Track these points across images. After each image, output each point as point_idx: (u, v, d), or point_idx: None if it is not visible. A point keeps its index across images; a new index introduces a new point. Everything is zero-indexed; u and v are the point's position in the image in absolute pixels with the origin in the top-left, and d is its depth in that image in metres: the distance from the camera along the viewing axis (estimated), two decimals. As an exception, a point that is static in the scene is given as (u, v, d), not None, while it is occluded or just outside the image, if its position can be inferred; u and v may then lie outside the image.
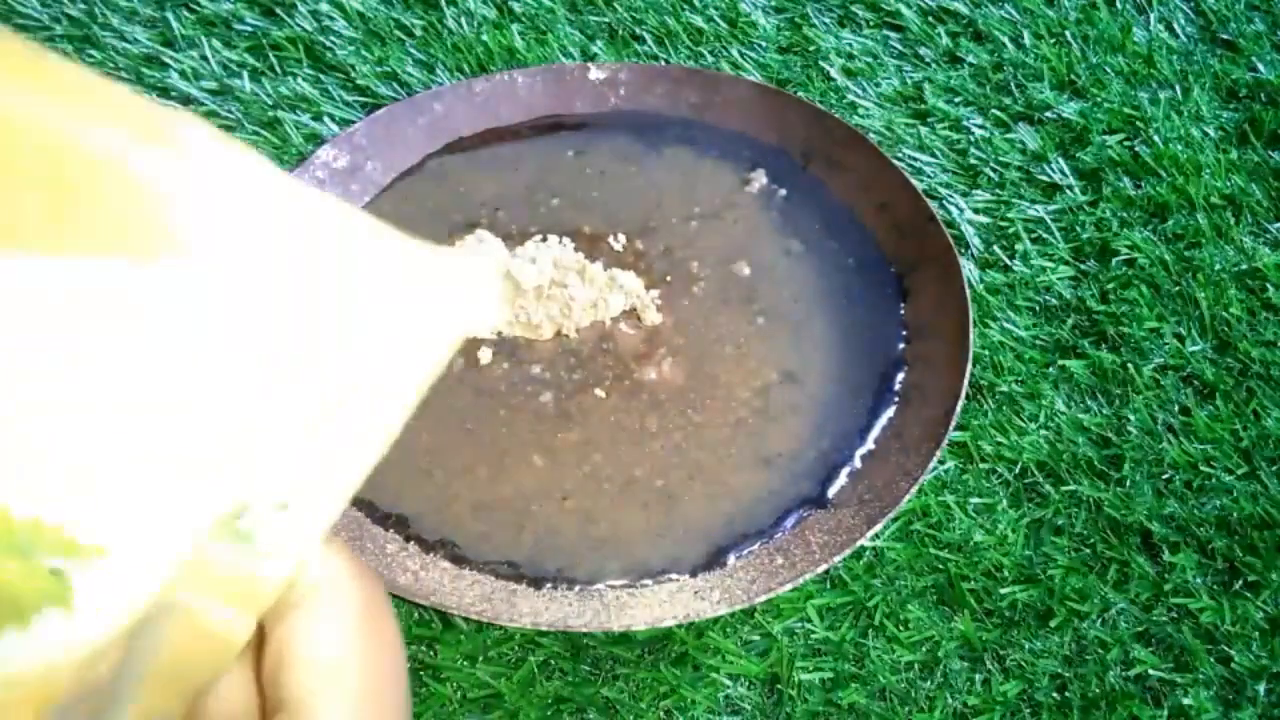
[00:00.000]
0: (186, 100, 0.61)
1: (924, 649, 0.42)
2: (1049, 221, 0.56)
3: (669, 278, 0.53)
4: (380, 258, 0.23)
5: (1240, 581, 0.44)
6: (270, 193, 0.21)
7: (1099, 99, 0.62)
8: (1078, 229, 0.56)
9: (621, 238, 0.55)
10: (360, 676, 0.23)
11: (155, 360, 0.20)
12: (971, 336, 0.48)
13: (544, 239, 0.54)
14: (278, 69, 0.63)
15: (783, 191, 0.57)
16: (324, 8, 0.66)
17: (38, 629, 0.19)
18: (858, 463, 0.47)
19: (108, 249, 0.19)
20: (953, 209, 0.56)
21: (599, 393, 0.49)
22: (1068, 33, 0.65)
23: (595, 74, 0.61)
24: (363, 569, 0.26)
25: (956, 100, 0.62)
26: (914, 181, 0.54)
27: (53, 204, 0.18)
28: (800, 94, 0.61)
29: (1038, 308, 0.53)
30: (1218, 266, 0.54)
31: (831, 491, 0.46)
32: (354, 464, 0.24)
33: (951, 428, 0.45)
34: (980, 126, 0.61)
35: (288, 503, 0.23)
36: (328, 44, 0.64)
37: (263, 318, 0.21)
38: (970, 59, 0.64)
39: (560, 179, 0.58)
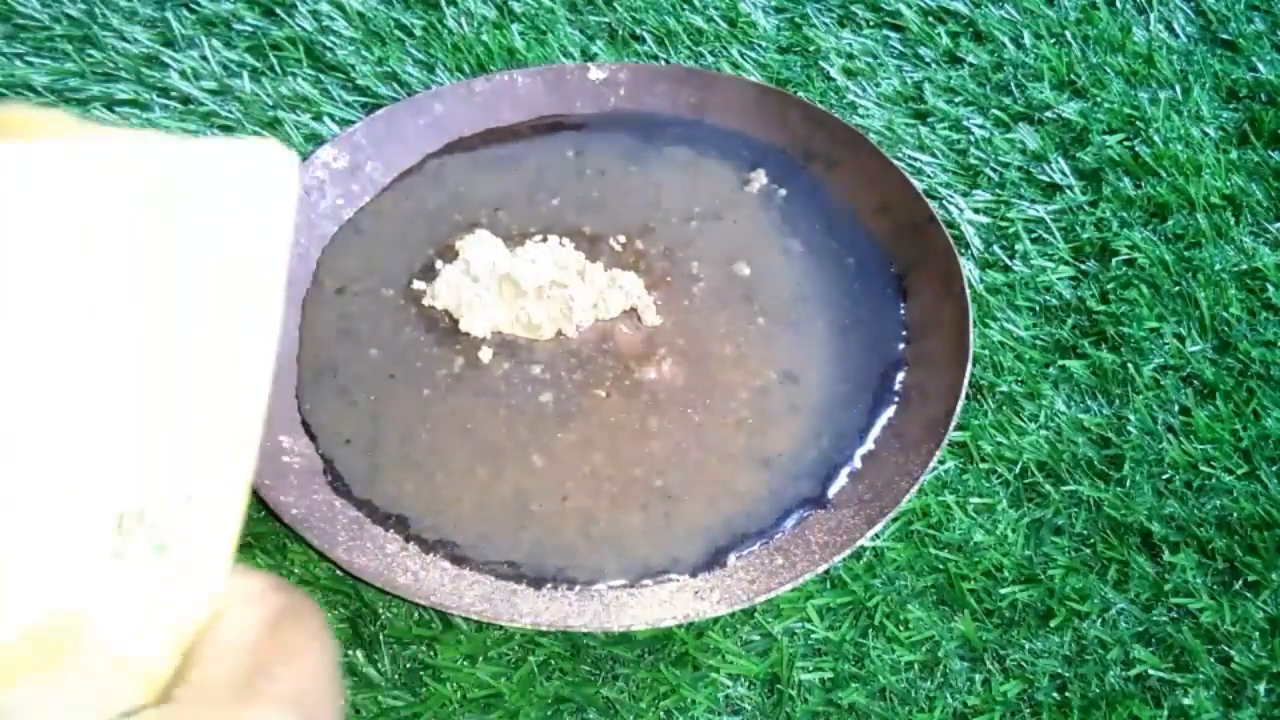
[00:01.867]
0: (186, 100, 0.61)
1: (924, 649, 0.42)
2: (1049, 221, 0.56)
3: (669, 278, 0.53)
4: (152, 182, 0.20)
5: (1240, 581, 0.44)
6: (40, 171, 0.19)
7: (1099, 99, 0.62)
8: (1078, 229, 0.56)
9: (621, 238, 0.55)
10: (252, 656, 0.23)
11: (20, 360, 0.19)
12: (971, 336, 0.48)
13: (544, 239, 0.54)
14: (278, 69, 0.63)
15: (783, 191, 0.57)
16: (324, 8, 0.66)
17: None
18: (858, 463, 0.47)
19: None
20: (953, 209, 0.56)
21: (599, 393, 0.49)
22: (1068, 33, 0.65)
23: (595, 74, 0.61)
24: (282, 584, 0.25)
25: (956, 100, 0.62)
26: (914, 181, 0.54)
27: None
28: (800, 94, 0.61)
29: (1038, 308, 0.53)
30: (1218, 266, 0.54)
31: (831, 491, 0.46)
32: (238, 421, 0.23)
33: (951, 428, 0.45)
34: (980, 126, 0.61)
35: (190, 493, 0.22)
36: (328, 44, 0.64)
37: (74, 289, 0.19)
38: (970, 59, 0.64)
39: (560, 179, 0.58)
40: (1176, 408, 0.49)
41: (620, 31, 0.65)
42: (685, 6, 0.67)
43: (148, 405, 0.21)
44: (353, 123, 0.59)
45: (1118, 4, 0.68)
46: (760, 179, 0.57)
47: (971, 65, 0.64)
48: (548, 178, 0.58)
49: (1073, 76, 0.63)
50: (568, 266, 0.52)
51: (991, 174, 0.58)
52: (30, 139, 0.20)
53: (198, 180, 0.21)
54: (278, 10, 0.66)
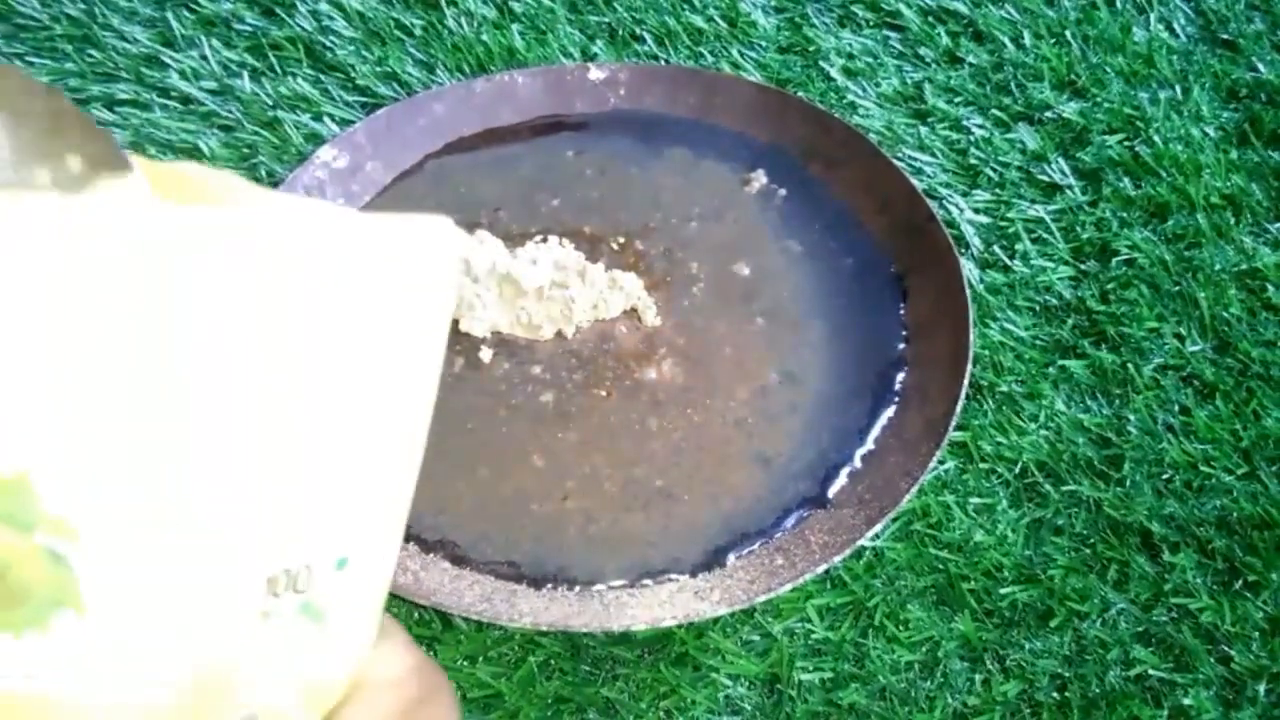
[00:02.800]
0: (186, 100, 0.61)
1: (924, 649, 0.42)
2: (1049, 221, 0.56)
3: (669, 278, 0.53)
4: (321, 258, 0.21)
5: (1240, 581, 0.44)
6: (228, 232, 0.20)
7: (1099, 99, 0.62)
8: (1078, 229, 0.56)
9: (621, 238, 0.55)
10: None
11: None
12: (971, 336, 0.48)
13: (544, 240, 0.54)
14: (278, 69, 0.63)
15: (783, 191, 0.57)
16: (324, 8, 0.66)
17: (57, 633, 0.19)
18: (858, 463, 0.47)
19: None
20: (953, 209, 0.56)
21: (599, 393, 0.49)
22: (1068, 33, 0.65)
23: (595, 74, 0.61)
24: (423, 663, 0.25)
25: (956, 100, 0.62)
26: (914, 181, 0.54)
27: None
28: (800, 94, 0.61)
29: (1038, 308, 0.53)
30: (1218, 266, 0.54)
31: (831, 491, 0.46)
32: (393, 488, 0.23)
33: (951, 428, 0.45)
34: (980, 126, 0.61)
35: (347, 556, 0.22)
36: (328, 44, 0.64)
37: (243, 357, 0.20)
38: (970, 59, 0.64)
39: (560, 179, 0.58)
40: (1176, 408, 0.49)
41: (620, 31, 0.65)
42: (685, 6, 0.67)
43: (306, 468, 0.21)
44: (353, 123, 0.59)
45: (1118, 4, 0.68)
46: (760, 179, 0.57)
47: (971, 65, 0.64)
48: (548, 178, 0.58)
49: (1073, 76, 0.63)
50: (568, 267, 0.52)
51: (991, 174, 0.58)
52: (211, 202, 0.20)
53: (371, 251, 0.22)
54: (278, 10, 0.66)
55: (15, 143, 0.19)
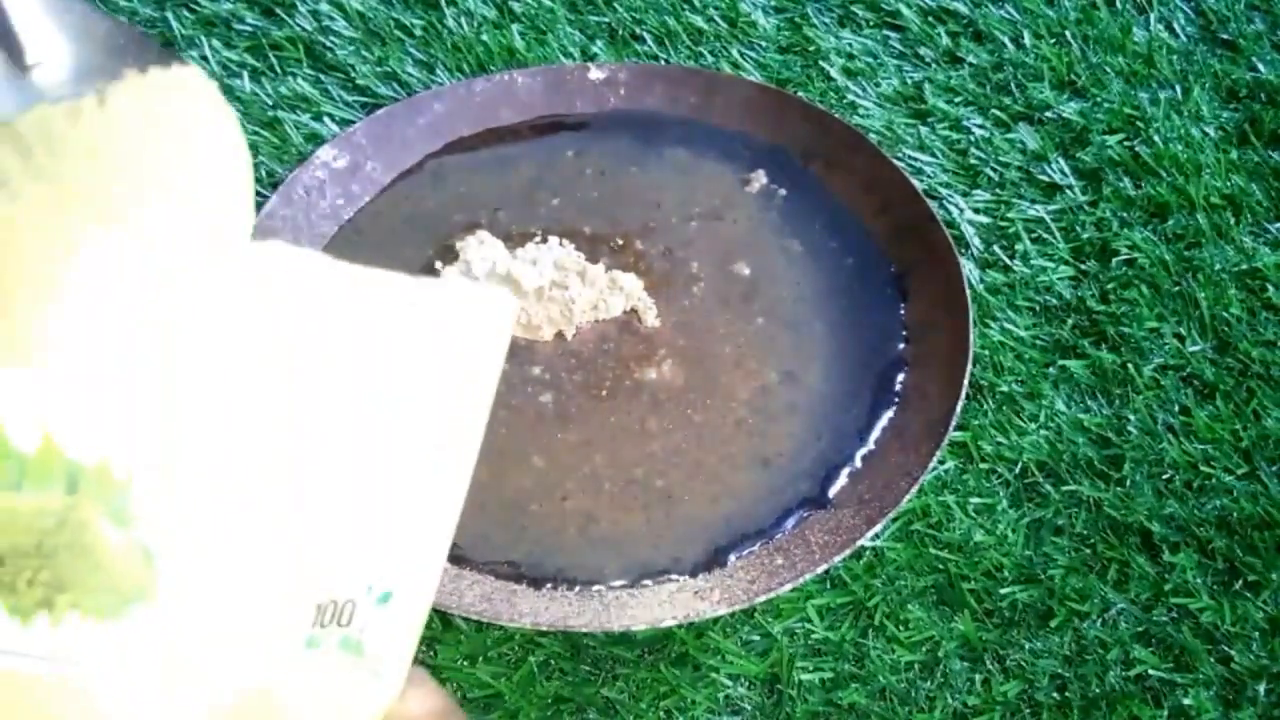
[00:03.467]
0: (186, 100, 0.61)
1: (924, 649, 0.42)
2: (1049, 221, 0.56)
3: (669, 278, 0.53)
4: (373, 316, 0.24)
5: (1240, 581, 0.44)
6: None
7: (1099, 99, 0.62)
8: (1078, 229, 0.56)
9: (621, 238, 0.55)
10: None
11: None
12: (971, 336, 0.48)
13: (544, 240, 0.54)
14: (278, 69, 0.63)
15: (783, 191, 0.57)
16: (324, 8, 0.66)
17: (128, 624, 0.20)
18: (858, 463, 0.47)
19: None
20: (953, 209, 0.56)
21: (599, 393, 0.49)
22: (1068, 33, 0.65)
23: (595, 74, 0.61)
24: (450, 708, 0.25)
25: (956, 100, 0.62)
26: (914, 181, 0.54)
27: None
28: (800, 94, 0.61)
29: (1038, 308, 0.53)
30: (1218, 266, 0.54)
31: (831, 491, 0.46)
32: (436, 528, 0.24)
33: (951, 428, 0.45)
34: (980, 126, 0.61)
35: (391, 592, 0.23)
36: (328, 44, 0.64)
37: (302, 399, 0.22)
38: (970, 59, 0.64)
39: (560, 179, 0.58)
40: (1176, 408, 0.49)
41: (620, 31, 0.65)
42: (685, 6, 0.67)
43: (364, 505, 0.23)
44: (353, 123, 0.59)
45: (1118, 4, 0.68)
46: (760, 179, 0.57)
47: (971, 65, 0.64)
48: (548, 178, 0.58)
49: (1073, 76, 0.63)
50: (568, 267, 0.52)
51: (991, 174, 0.58)
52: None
53: (435, 315, 0.25)
54: (278, 10, 0.66)
55: (77, 63, 0.23)
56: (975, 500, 0.46)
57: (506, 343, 0.26)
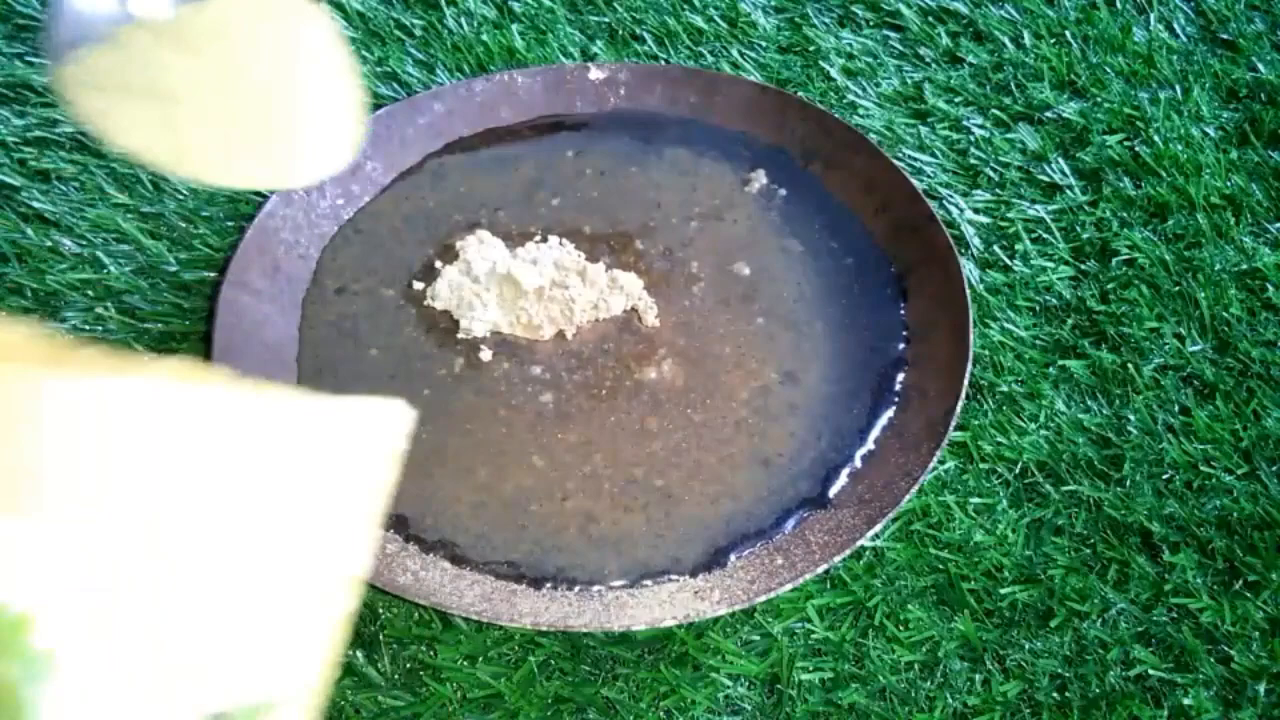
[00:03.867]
0: (186, 100, 0.61)
1: (924, 649, 0.42)
2: (1049, 221, 0.56)
3: (669, 278, 0.53)
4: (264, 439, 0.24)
5: (1240, 581, 0.44)
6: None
7: (1099, 99, 0.62)
8: (1078, 229, 0.56)
9: (621, 238, 0.55)
10: None
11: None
12: (971, 336, 0.48)
13: (544, 240, 0.54)
14: (278, 69, 0.63)
15: (783, 191, 0.57)
16: (323, 8, 0.66)
17: None
18: (858, 463, 0.47)
19: None
20: (953, 209, 0.56)
21: (599, 393, 0.49)
22: (1068, 33, 0.65)
23: (595, 74, 0.61)
24: None
25: (956, 100, 0.62)
26: (914, 181, 0.54)
27: None
28: (800, 94, 0.61)
29: (1038, 308, 0.53)
30: (1218, 266, 0.54)
31: (831, 491, 0.46)
32: (317, 637, 0.25)
33: (951, 428, 0.45)
34: (980, 126, 0.61)
35: (272, 699, 0.23)
36: (328, 44, 0.64)
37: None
38: (970, 59, 0.64)
39: (560, 179, 0.58)
40: (1176, 408, 0.49)
41: (620, 31, 0.65)
42: (685, 6, 0.67)
43: (239, 618, 0.23)
44: (353, 123, 0.59)
45: (1118, 4, 0.68)
46: (760, 179, 0.57)
47: (971, 65, 0.64)
48: (548, 178, 0.58)
49: (1073, 76, 0.63)
50: (568, 267, 0.52)
51: (991, 174, 0.58)
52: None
53: (321, 430, 0.25)
54: (278, 10, 0.65)
55: None
56: (975, 500, 0.46)
57: (400, 452, 0.26)
